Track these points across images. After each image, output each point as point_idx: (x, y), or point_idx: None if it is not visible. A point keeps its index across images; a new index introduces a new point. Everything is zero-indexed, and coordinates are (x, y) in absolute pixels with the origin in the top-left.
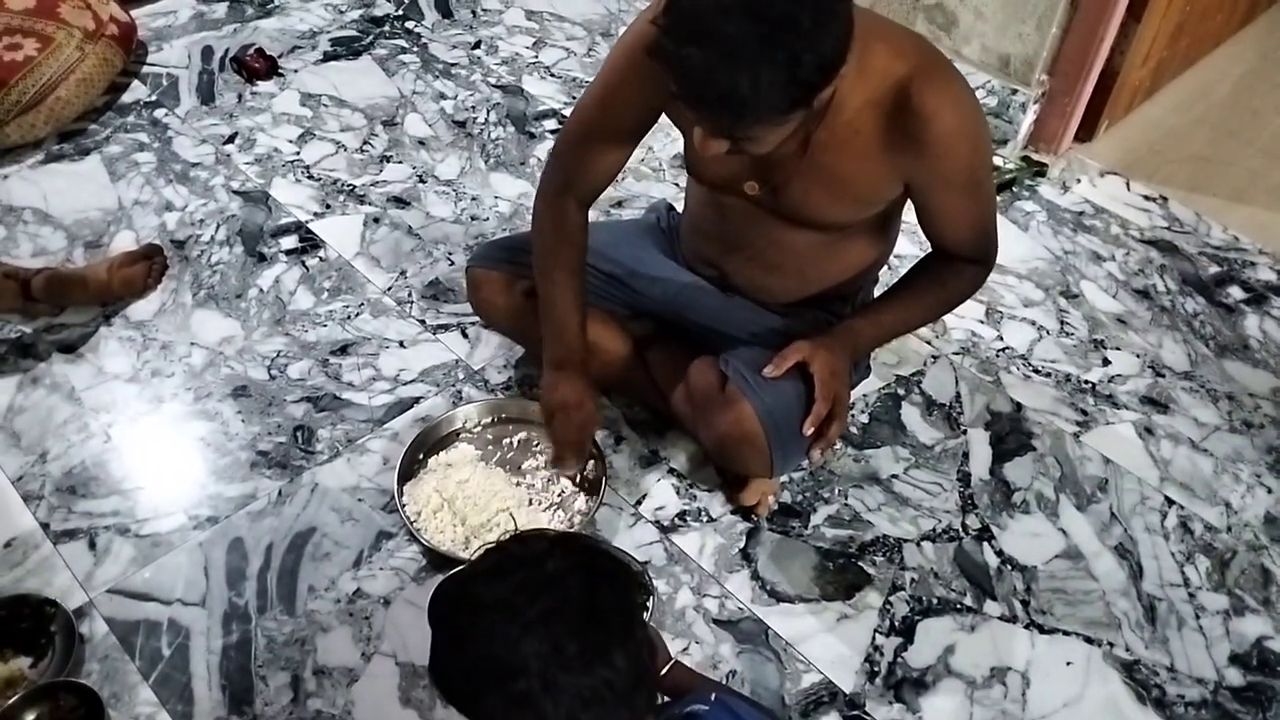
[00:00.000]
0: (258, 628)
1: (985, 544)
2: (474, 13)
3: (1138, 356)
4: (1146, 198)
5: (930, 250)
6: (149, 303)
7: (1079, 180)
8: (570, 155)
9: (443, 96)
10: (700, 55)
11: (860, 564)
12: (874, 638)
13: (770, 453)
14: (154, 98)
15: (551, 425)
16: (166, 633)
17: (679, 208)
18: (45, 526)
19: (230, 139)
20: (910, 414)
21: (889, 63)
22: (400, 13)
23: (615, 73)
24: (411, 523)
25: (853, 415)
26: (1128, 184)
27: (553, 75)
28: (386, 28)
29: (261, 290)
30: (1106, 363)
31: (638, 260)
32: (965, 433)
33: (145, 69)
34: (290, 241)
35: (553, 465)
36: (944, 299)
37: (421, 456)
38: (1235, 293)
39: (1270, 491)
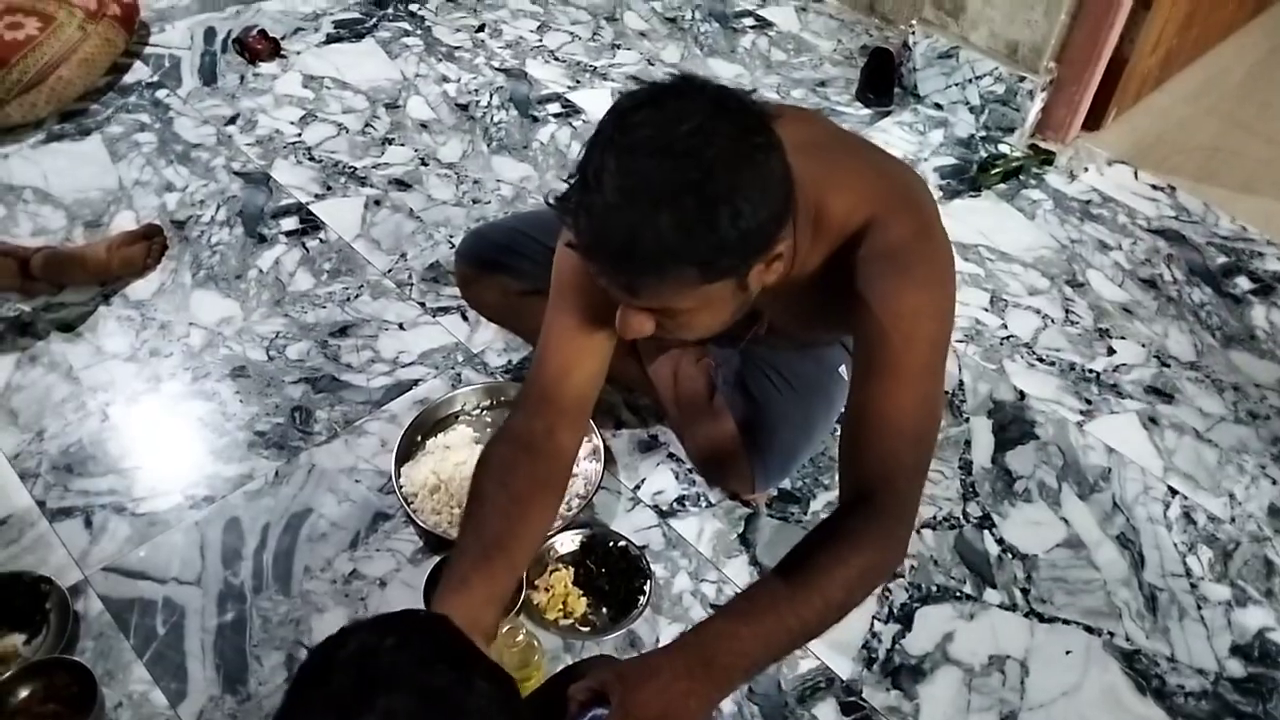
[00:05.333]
0: (253, 607)
1: (986, 532)
2: None
3: (1143, 346)
4: (1154, 187)
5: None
6: (148, 283)
7: (1086, 169)
8: (548, 365)
9: (445, 79)
10: (600, 200)
11: None
12: (872, 624)
13: (751, 470)
14: (156, 78)
15: None
16: (161, 611)
17: None
18: (41, 504)
19: (232, 120)
20: None
21: (848, 213)
22: None
23: (569, 267)
24: (408, 504)
25: None
26: (1135, 173)
27: (556, 59)
28: (390, 10)
29: (261, 271)
30: (1111, 352)
31: None
32: (968, 420)
33: (147, 50)
34: (291, 223)
35: None
36: (867, 574)
37: (419, 438)
38: (1243, 283)
39: (1275, 482)
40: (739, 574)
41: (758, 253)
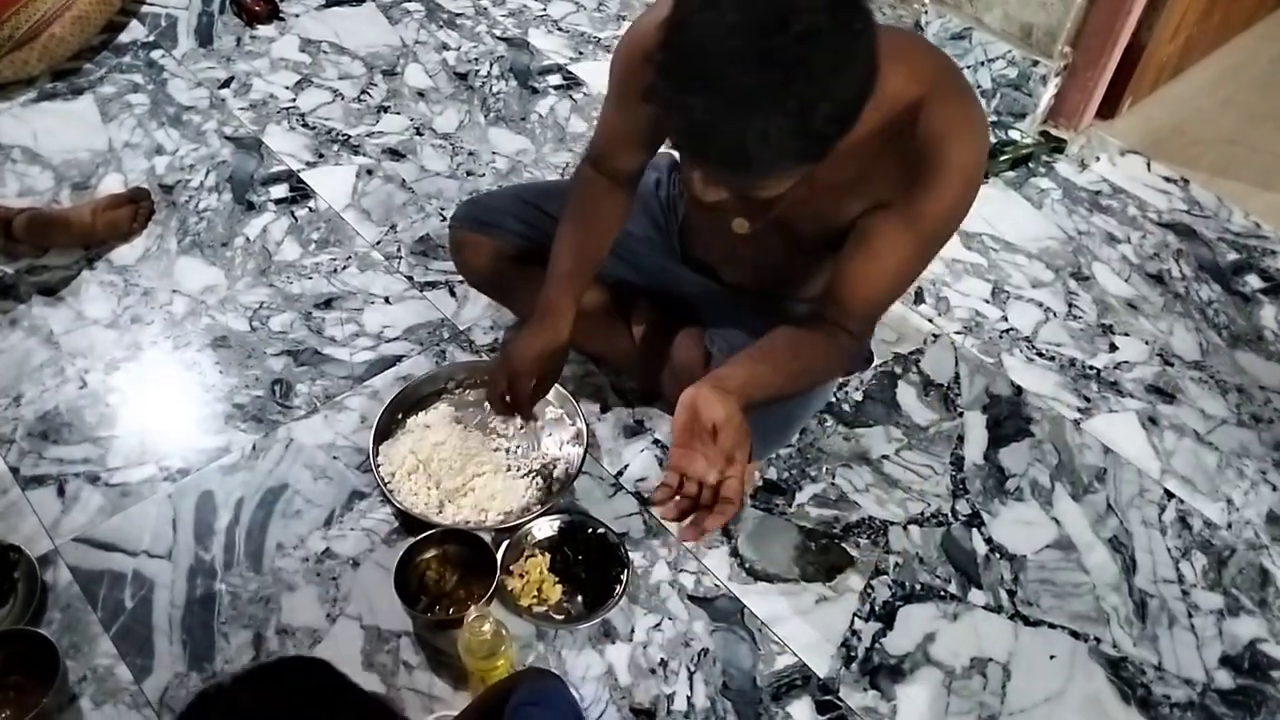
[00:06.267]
0: (223, 583)
1: (974, 530)
2: None
3: (1147, 343)
4: (1167, 179)
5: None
6: (133, 248)
7: (1098, 158)
8: (599, 144)
9: (445, 47)
10: (703, 105)
11: (844, 545)
12: (853, 622)
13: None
14: (151, 38)
15: (493, 373)
16: (130, 584)
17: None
18: (15, 471)
19: (226, 83)
20: (906, 393)
21: (903, 86)
22: None
23: (610, 103)
24: (385, 484)
25: (845, 392)
26: (1149, 164)
27: (560, 30)
28: None
29: (248, 239)
30: (1114, 348)
31: (627, 233)
32: (962, 415)
33: (144, 9)
34: (280, 190)
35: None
36: (815, 373)
37: (400, 416)
38: (1253, 281)
39: (1275, 489)
40: (719, 565)
41: (846, 131)
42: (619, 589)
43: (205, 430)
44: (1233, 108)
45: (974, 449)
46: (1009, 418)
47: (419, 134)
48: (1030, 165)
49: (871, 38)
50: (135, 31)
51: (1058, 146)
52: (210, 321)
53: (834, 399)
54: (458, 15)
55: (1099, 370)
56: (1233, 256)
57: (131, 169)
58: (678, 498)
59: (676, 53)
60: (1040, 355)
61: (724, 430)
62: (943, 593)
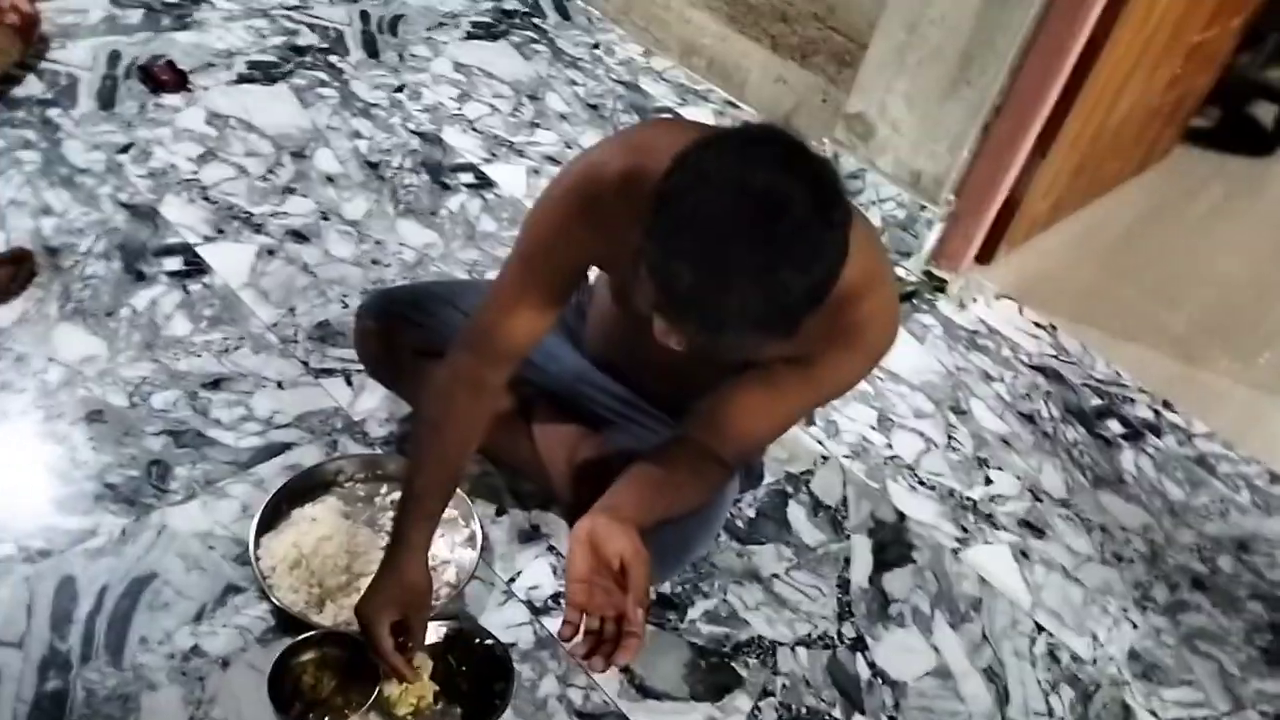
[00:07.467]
0: (78, 678)
1: (859, 654)
2: (401, 56)
3: (1018, 479)
4: (1037, 324)
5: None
6: (10, 309)
7: (975, 300)
8: (491, 311)
9: (358, 135)
10: (690, 276)
11: (733, 664)
12: None
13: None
14: (49, 95)
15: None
16: None
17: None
18: None
19: (125, 149)
20: (797, 513)
21: (850, 272)
22: (325, 45)
23: (548, 226)
24: (264, 578)
25: (740, 508)
26: (1020, 309)
27: (474, 130)
28: (309, 58)
29: (135, 310)
30: (989, 481)
31: None
32: (849, 538)
33: (44, 65)
34: (174, 263)
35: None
36: (688, 501)
37: (285, 507)
38: (1114, 426)
39: (1135, 627)
40: (609, 681)
41: (816, 311)
42: (499, 704)
43: (72, 510)
44: (1095, 262)
45: (859, 572)
46: (893, 543)
47: (325, 218)
48: (914, 301)
49: (846, 231)
50: (32, 87)
51: (939, 286)
52: (87, 393)
53: (729, 514)
54: (372, 105)
55: (975, 502)
56: (1095, 401)
57: (15, 227)
58: (584, 633)
59: (670, 222)
60: (922, 484)
61: (633, 566)
62: (827, 716)
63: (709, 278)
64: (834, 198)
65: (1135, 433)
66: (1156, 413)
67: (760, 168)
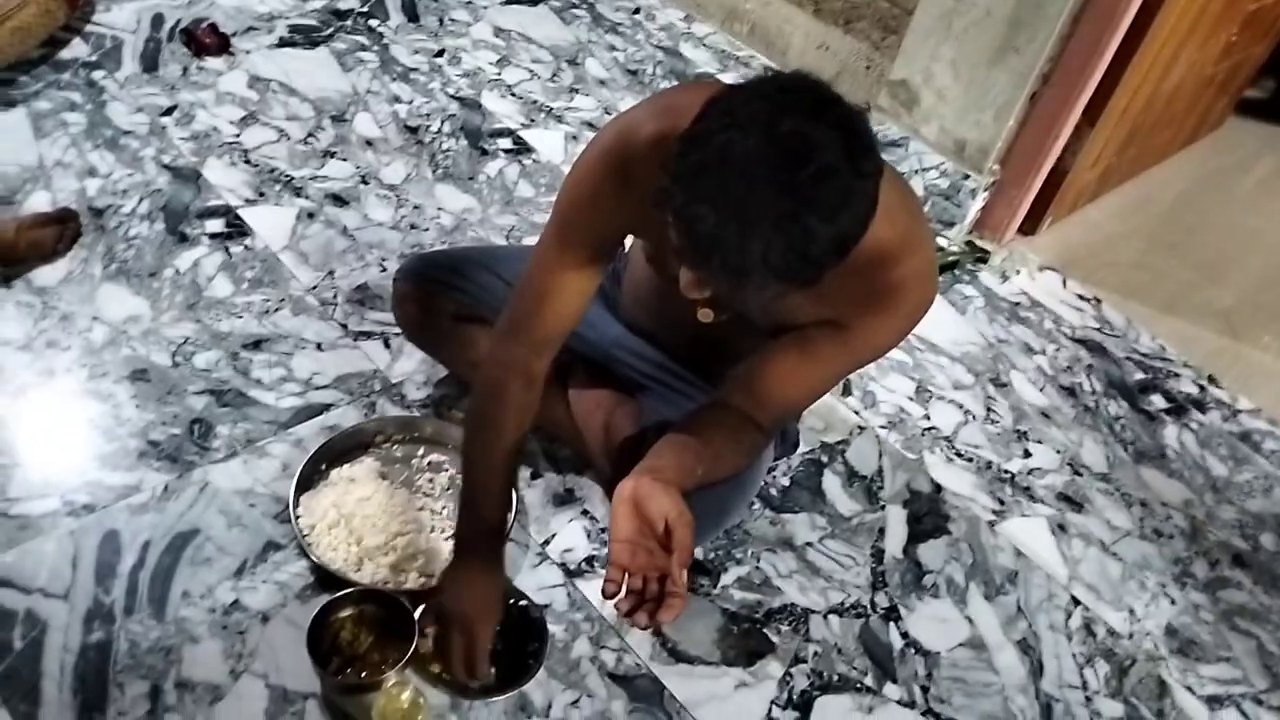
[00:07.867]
0: (121, 630)
1: (892, 624)
2: (441, 21)
3: (1058, 452)
4: (1081, 297)
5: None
6: (55, 269)
7: (1018, 271)
8: (530, 294)
9: (398, 100)
10: (714, 218)
11: (765, 631)
12: (770, 709)
13: None
14: (94, 58)
15: (446, 640)
16: (21, 624)
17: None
18: None
19: (168, 111)
20: (831, 482)
21: (883, 229)
22: (365, 9)
23: (582, 192)
24: (303, 536)
25: (774, 477)
26: (1064, 281)
27: (513, 95)
28: (349, 23)
29: (178, 271)
30: (1028, 454)
31: None
32: (884, 508)
33: (89, 28)
34: (216, 225)
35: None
36: (726, 466)
37: (324, 467)
38: (1157, 401)
39: (1173, 603)
40: (641, 644)
41: (840, 262)
42: (533, 664)
43: (115, 466)
44: (1142, 235)
45: (894, 542)
46: (928, 514)
47: (364, 182)
48: (956, 272)
49: (876, 181)
50: (78, 49)
51: (982, 257)
52: (130, 353)
53: (764, 482)
54: (412, 70)
55: (1013, 474)
56: (1139, 376)
57: (61, 188)
58: (626, 591)
59: (695, 164)
60: (959, 455)
61: (678, 527)
62: (859, 685)
63: (731, 221)
64: (865, 148)
65: (1179, 408)
66: (1201, 388)
67: (789, 113)
